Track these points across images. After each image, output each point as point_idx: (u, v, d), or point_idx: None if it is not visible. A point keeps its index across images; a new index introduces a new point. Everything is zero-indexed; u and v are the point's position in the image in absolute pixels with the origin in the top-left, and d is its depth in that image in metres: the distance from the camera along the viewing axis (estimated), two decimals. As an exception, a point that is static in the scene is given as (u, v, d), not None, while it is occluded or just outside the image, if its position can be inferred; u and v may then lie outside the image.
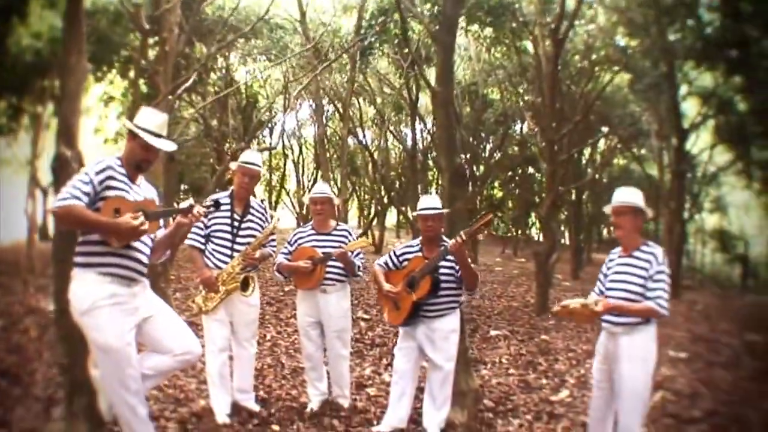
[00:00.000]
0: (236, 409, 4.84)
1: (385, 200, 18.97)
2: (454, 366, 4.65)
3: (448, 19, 5.56)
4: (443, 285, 4.53)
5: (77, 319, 3.38)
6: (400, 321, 4.66)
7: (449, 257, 4.50)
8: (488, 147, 20.35)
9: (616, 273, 3.90)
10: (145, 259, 3.56)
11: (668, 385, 6.35)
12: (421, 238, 4.80)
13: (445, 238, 4.65)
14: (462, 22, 11.67)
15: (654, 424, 5.11)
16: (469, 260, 4.51)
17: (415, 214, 5.02)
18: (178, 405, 4.99)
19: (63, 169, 3.54)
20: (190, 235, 4.87)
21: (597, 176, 19.20)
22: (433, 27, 8.78)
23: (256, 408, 4.94)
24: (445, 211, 4.77)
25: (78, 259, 3.40)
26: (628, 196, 3.91)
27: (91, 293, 3.34)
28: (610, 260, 4.04)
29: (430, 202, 4.67)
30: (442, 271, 4.55)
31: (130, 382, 3.40)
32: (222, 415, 4.67)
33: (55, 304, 3.75)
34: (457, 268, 4.51)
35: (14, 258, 12.27)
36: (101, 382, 3.49)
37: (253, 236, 4.87)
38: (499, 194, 25.95)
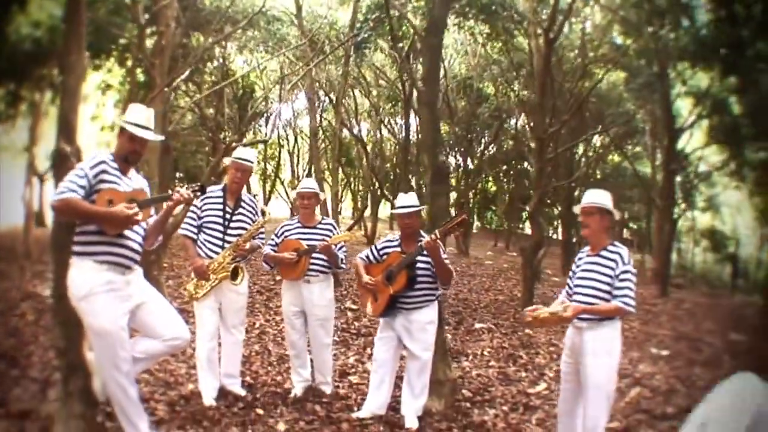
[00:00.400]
0: (223, 392, 5.06)
1: (379, 192, 19.15)
2: (432, 356, 4.87)
3: (435, 21, 5.71)
4: (419, 279, 4.74)
5: (75, 304, 3.61)
6: (378, 312, 4.87)
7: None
8: (483, 141, 20.48)
9: (584, 271, 4.08)
10: (138, 248, 3.79)
11: (646, 381, 6.51)
12: (400, 234, 5.01)
13: (423, 233, 4.84)
14: (457, 18, 11.84)
15: (627, 419, 5.27)
16: (445, 256, 4.72)
17: (392, 211, 5.21)
18: (168, 388, 5.20)
19: (62, 164, 3.72)
20: (183, 225, 5.12)
21: (590, 171, 19.36)
22: (423, 25, 8.91)
23: (241, 392, 5.15)
24: (422, 208, 4.98)
25: (76, 248, 3.63)
26: (596, 197, 4.09)
27: (88, 280, 3.57)
28: (579, 259, 4.21)
29: (407, 200, 4.86)
30: (418, 266, 4.75)
31: (122, 364, 3.63)
32: (209, 398, 4.89)
33: (53, 291, 3.94)
34: (433, 264, 4.71)
35: (11, 244, 12.39)
36: (95, 363, 3.72)
37: (244, 229, 5.09)
38: (493, 188, 26.09)
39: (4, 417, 4.19)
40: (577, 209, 4.20)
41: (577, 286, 4.10)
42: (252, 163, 5.21)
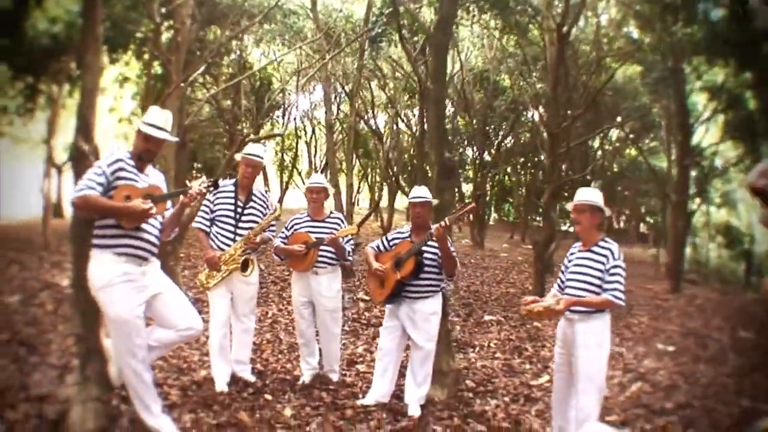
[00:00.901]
0: (233, 379, 5.25)
1: (395, 184, 19.27)
2: (434, 346, 5.01)
3: (443, 19, 5.81)
4: (426, 268, 4.90)
5: (94, 294, 3.82)
6: (383, 297, 5.04)
7: (433, 244, 4.85)
8: (500, 133, 20.49)
9: (576, 266, 4.22)
10: (155, 240, 4.00)
11: (649, 377, 6.58)
12: (411, 224, 5.18)
13: (433, 226, 4.99)
14: (471, 12, 11.89)
15: (625, 412, 5.36)
16: (453, 249, 4.87)
17: (407, 201, 5.39)
18: (181, 374, 5.41)
19: (81, 161, 3.92)
20: (196, 218, 5.33)
21: (606, 165, 19.31)
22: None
23: (251, 379, 5.35)
24: (434, 201, 5.14)
25: (95, 241, 3.84)
26: (587, 195, 4.26)
27: (106, 271, 3.78)
28: (571, 254, 4.36)
29: (420, 192, 5.07)
30: (426, 255, 4.91)
31: (137, 351, 3.85)
32: (221, 384, 5.08)
33: (72, 281, 4.14)
34: (440, 254, 4.86)
35: (30, 235, 12.63)
36: (112, 350, 3.94)
37: (255, 222, 5.26)
38: (510, 180, 26.05)
39: (24, 400, 4.38)
40: (569, 206, 4.33)
41: (569, 279, 4.24)
42: (261, 158, 5.37)
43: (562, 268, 4.41)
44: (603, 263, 4.07)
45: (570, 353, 4.16)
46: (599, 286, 4.05)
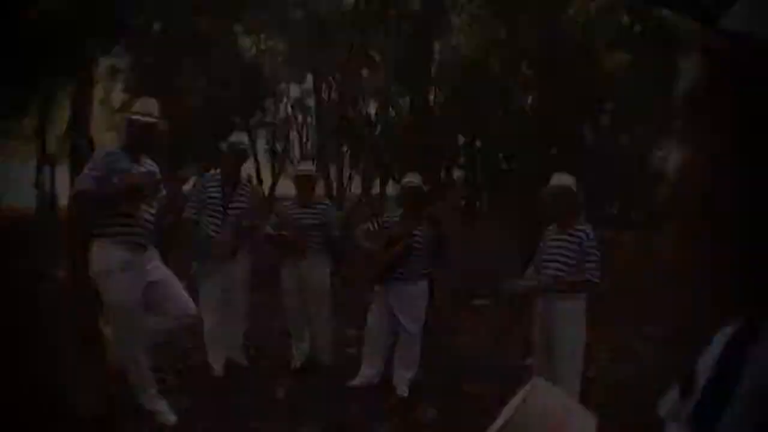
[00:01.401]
0: (228, 363, 5.38)
1: (386, 170, 19.26)
2: (421, 328, 5.16)
3: (428, 9, 5.88)
4: (416, 252, 5.03)
5: (95, 280, 3.94)
6: (371, 277, 5.22)
7: (425, 229, 4.99)
8: (492, 120, 20.46)
9: (552, 248, 4.38)
10: (151, 228, 4.15)
11: (636, 360, 6.67)
12: (402, 209, 5.32)
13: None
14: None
15: (607, 392, 5.47)
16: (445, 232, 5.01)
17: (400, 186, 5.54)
18: (177, 359, 5.52)
19: (78, 157, 4.06)
20: (187, 207, 5.41)
21: (596, 150, 19.30)
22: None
23: (245, 362, 5.51)
24: (423, 186, 5.27)
25: (95, 230, 4.00)
26: (562, 179, 4.41)
27: (105, 259, 3.95)
28: (547, 236, 4.50)
29: (411, 177, 5.24)
30: (416, 239, 5.04)
31: (135, 336, 4.01)
32: (216, 368, 5.23)
33: (69, 270, 4.28)
34: (432, 237, 4.99)
35: (26, 228, 12.65)
36: (111, 336, 4.07)
37: (242, 209, 5.37)
38: (501, 167, 26.08)
39: (24, 389, 4.50)
40: (544, 191, 4.47)
41: (545, 261, 4.40)
42: (244, 145, 5.51)
43: (538, 250, 4.56)
44: (579, 245, 4.23)
45: (549, 333, 4.31)
46: (576, 266, 4.22)
